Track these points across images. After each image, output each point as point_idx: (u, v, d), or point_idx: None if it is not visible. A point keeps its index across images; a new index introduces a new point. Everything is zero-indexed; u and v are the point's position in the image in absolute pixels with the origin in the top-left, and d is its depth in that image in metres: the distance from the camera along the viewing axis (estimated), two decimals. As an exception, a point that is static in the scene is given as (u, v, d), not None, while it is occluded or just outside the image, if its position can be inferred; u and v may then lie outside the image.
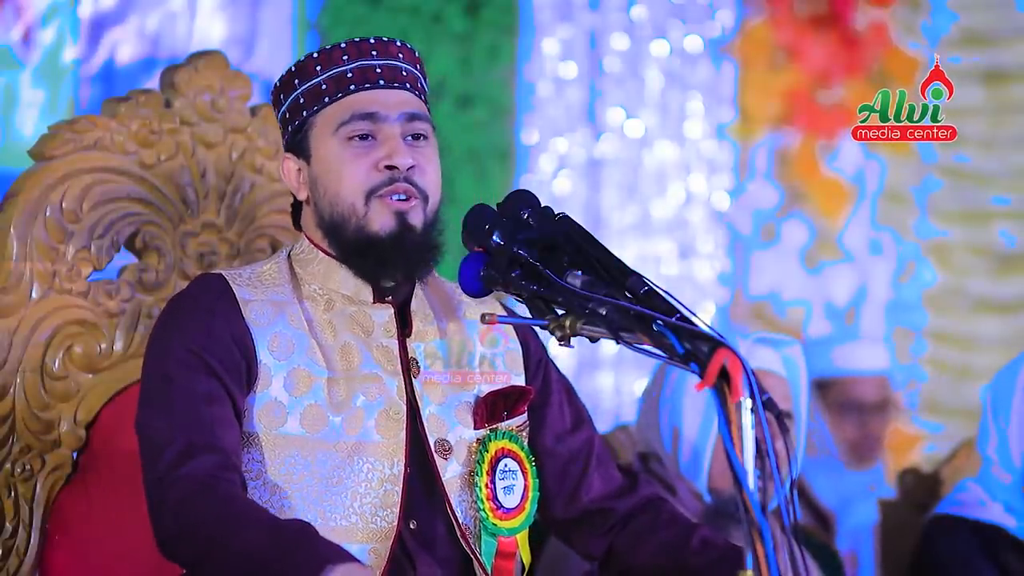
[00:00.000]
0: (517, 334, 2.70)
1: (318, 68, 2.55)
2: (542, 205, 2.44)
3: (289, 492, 2.47)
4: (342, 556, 2.25)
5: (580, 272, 2.32)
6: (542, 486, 2.64)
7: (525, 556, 2.62)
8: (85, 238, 2.82)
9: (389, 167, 2.50)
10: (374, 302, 2.58)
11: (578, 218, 2.46)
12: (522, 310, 2.48)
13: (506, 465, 2.59)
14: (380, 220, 2.51)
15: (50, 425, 2.77)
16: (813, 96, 5.98)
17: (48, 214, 2.78)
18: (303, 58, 2.57)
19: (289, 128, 2.60)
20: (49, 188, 2.78)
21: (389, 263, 2.53)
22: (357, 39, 2.56)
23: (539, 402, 2.68)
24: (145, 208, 2.89)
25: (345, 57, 2.54)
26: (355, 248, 2.53)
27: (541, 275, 2.34)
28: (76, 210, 2.80)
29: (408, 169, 2.51)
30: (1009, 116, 6.17)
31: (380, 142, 2.52)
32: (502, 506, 2.57)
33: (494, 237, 2.38)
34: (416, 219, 2.52)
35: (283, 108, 2.60)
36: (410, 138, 2.54)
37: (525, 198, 2.44)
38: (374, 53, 2.55)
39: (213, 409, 2.43)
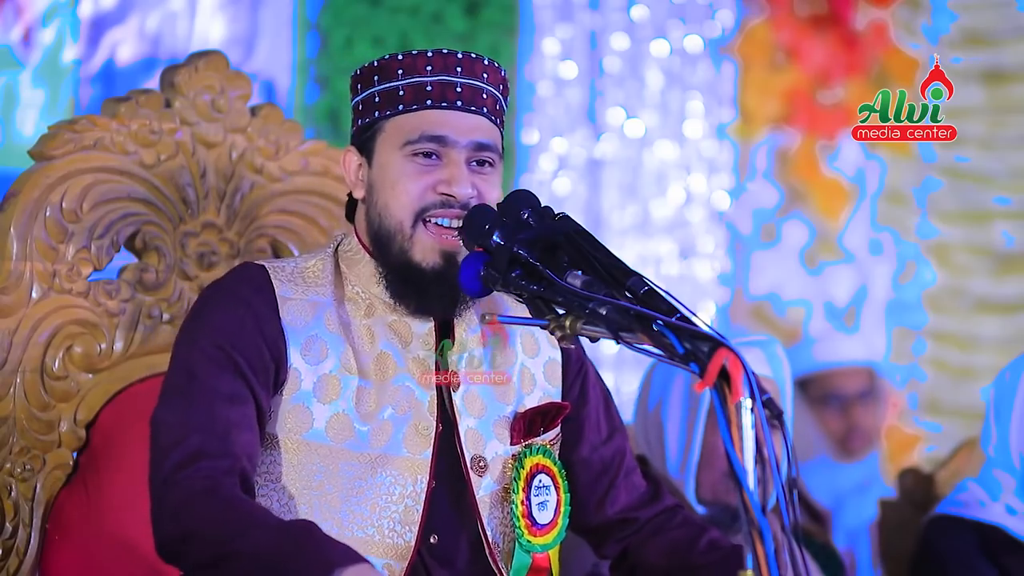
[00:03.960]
0: (558, 343, 2.66)
1: (400, 72, 2.50)
2: (542, 205, 2.44)
3: (308, 498, 2.44)
4: (350, 557, 2.22)
5: (580, 272, 2.32)
6: (573, 495, 2.62)
7: (555, 571, 2.60)
8: (85, 238, 2.82)
9: (447, 193, 2.47)
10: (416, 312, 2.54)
11: (578, 218, 2.46)
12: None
13: (540, 481, 2.56)
14: (423, 251, 2.47)
15: (50, 425, 2.77)
16: (813, 96, 5.98)
17: (48, 214, 2.78)
18: (387, 56, 2.52)
19: (359, 122, 2.55)
20: (49, 188, 2.78)
21: (428, 297, 2.50)
22: (445, 51, 2.51)
23: (576, 413, 2.65)
24: (145, 208, 2.89)
25: (429, 68, 2.49)
26: (397, 271, 2.50)
27: (541, 275, 2.34)
28: (76, 210, 2.80)
29: (469, 199, 2.47)
30: (1009, 116, 6.17)
31: (443, 164, 2.48)
32: (536, 523, 2.54)
33: (494, 237, 2.38)
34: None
35: (356, 99, 2.56)
36: (475, 163, 2.50)
37: (525, 198, 2.44)
38: (459, 69, 2.50)
39: (233, 410, 2.38)
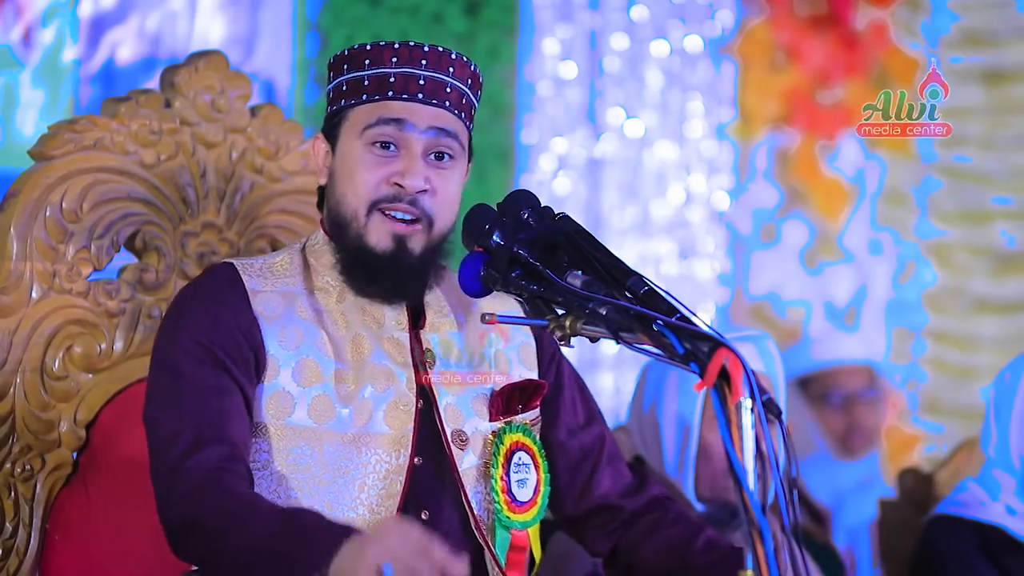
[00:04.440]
0: (531, 330, 2.70)
1: (367, 62, 2.53)
2: (542, 205, 2.44)
3: (297, 482, 2.47)
4: (342, 535, 2.20)
5: (580, 272, 2.32)
6: (554, 481, 2.64)
7: (536, 551, 2.63)
8: (85, 238, 2.82)
9: (399, 184, 2.49)
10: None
11: (578, 218, 2.46)
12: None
13: (520, 458, 2.59)
14: (378, 235, 2.51)
15: (50, 425, 2.77)
16: (813, 96, 5.97)
17: (48, 214, 2.78)
18: (356, 46, 2.55)
19: (329, 109, 2.59)
20: (49, 188, 2.78)
21: (380, 280, 2.53)
22: (412, 43, 2.53)
23: (552, 396, 2.69)
24: (145, 208, 2.89)
25: (394, 59, 2.52)
26: (353, 255, 2.54)
27: (541, 275, 2.34)
28: (76, 210, 2.80)
29: (418, 192, 2.50)
30: (1009, 116, 6.17)
31: (400, 156, 2.51)
32: (516, 499, 2.57)
33: (494, 237, 2.39)
34: (416, 244, 2.51)
35: (328, 87, 2.59)
36: (433, 156, 2.52)
37: (525, 198, 2.44)
38: (424, 62, 2.52)
39: (222, 401, 2.42)
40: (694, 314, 2.18)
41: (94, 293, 2.83)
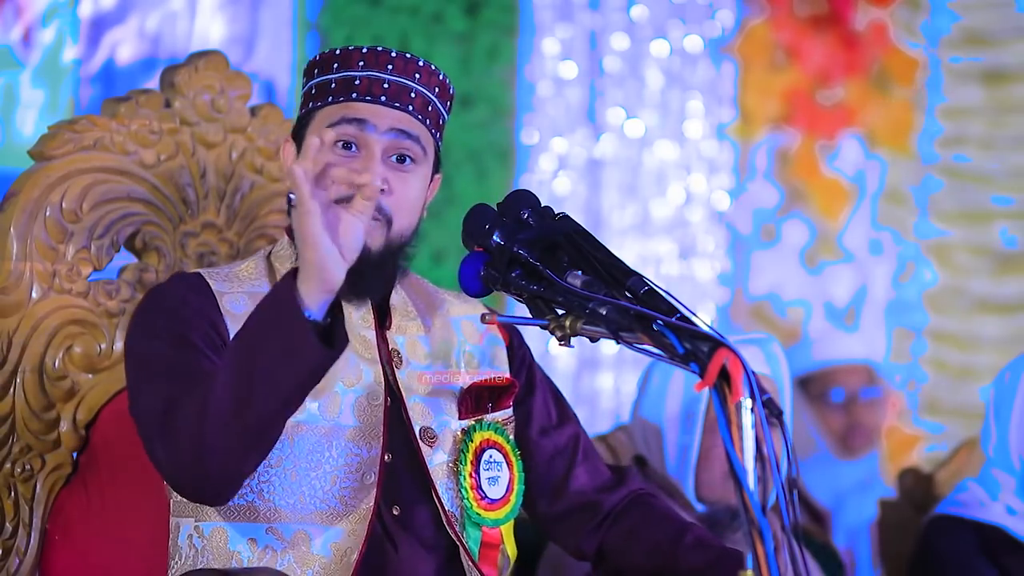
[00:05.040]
0: (501, 333, 2.71)
1: (335, 66, 2.54)
2: (542, 205, 2.44)
3: (268, 476, 2.47)
4: (289, 304, 2.25)
5: (580, 272, 2.32)
6: (529, 480, 2.65)
7: (510, 549, 2.63)
8: (85, 238, 2.82)
9: (356, 184, 2.49)
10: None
11: (578, 218, 2.46)
12: (513, 311, 2.48)
13: (491, 456, 2.60)
14: None
15: (50, 425, 2.77)
16: (813, 96, 5.98)
17: (48, 214, 2.78)
18: (327, 51, 2.57)
19: (299, 112, 2.60)
20: (49, 188, 2.78)
21: None
22: (379, 48, 2.54)
23: (523, 396, 2.70)
24: (145, 208, 2.89)
25: (361, 63, 2.53)
26: None
27: (541, 275, 2.34)
28: (76, 210, 2.80)
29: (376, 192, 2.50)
30: (1009, 116, 6.17)
31: (360, 157, 2.51)
32: (487, 496, 2.58)
33: (494, 237, 2.39)
34: (374, 241, 2.49)
35: (303, 91, 2.60)
36: (394, 158, 2.52)
37: (525, 198, 2.44)
38: (390, 67, 2.53)
39: (206, 373, 2.41)
40: (694, 314, 2.17)
41: (94, 293, 2.83)
